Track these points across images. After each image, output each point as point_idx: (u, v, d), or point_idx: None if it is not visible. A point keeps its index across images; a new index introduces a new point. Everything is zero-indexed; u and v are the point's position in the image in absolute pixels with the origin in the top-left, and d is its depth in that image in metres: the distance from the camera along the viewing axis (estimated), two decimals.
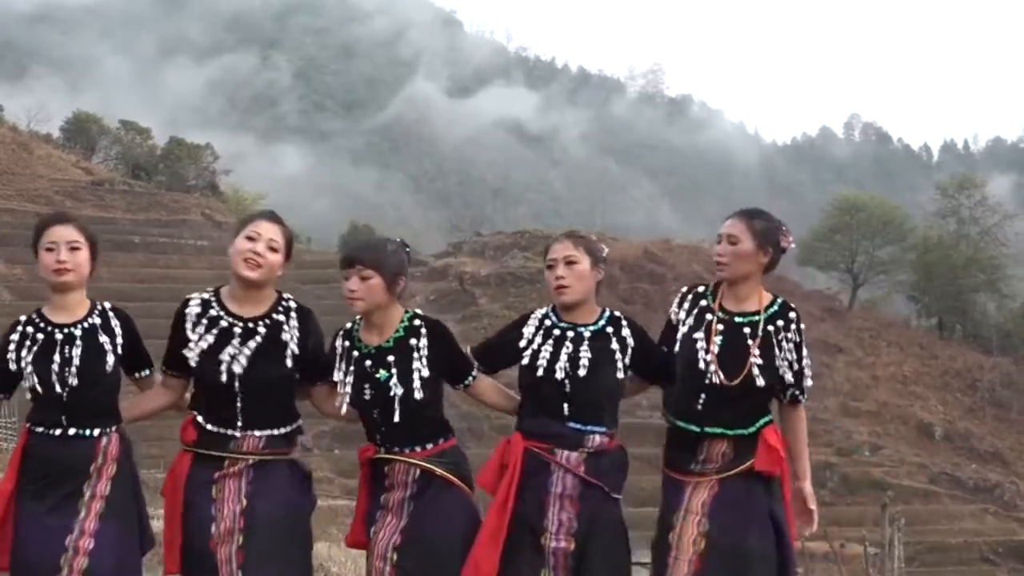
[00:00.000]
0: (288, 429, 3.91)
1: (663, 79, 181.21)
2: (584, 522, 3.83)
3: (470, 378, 3.97)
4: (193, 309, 3.90)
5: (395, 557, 3.76)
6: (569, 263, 3.94)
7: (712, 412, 3.90)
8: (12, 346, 3.86)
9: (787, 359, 3.96)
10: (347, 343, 3.93)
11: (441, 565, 3.76)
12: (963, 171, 77.63)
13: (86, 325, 3.89)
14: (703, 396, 3.91)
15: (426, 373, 3.83)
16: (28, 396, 3.86)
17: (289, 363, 3.86)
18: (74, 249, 3.86)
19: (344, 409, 3.89)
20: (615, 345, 3.95)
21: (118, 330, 3.93)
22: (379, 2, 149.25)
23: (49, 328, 3.87)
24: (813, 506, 4.05)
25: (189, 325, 3.87)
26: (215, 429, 3.83)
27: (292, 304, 3.95)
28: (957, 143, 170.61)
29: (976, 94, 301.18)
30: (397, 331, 3.88)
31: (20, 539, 3.75)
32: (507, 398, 4.09)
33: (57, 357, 3.81)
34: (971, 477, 36.49)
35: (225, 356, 3.82)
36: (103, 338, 3.88)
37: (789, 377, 3.98)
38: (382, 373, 3.83)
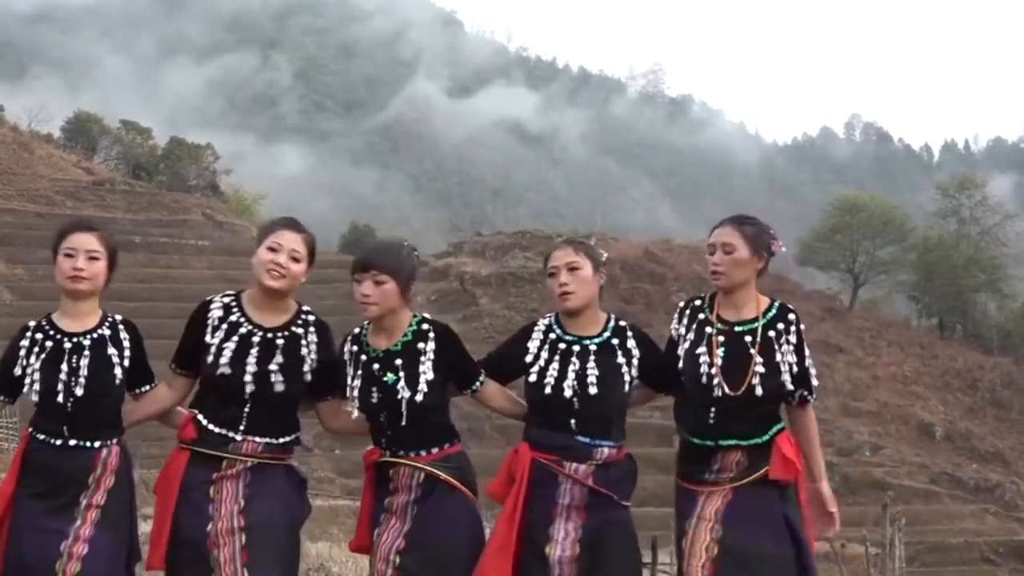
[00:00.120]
0: (288, 439, 3.92)
1: (663, 79, 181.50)
2: (591, 530, 3.81)
3: (478, 383, 3.96)
4: (215, 312, 3.89)
5: (397, 560, 3.75)
6: (572, 269, 3.92)
7: (724, 424, 3.88)
8: (23, 352, 3.84)
9: (790, 361, 3.94)
10: (355, 347, 3.92)
11: (444, 569, 3.75)
12: (964, 171, 77.58)
13: (95, 336, 3.87)
14: (713, 410, 3.88)
15: (433, 377, 3.82)
16: (34, 399, 3.85)
17: (307, 378, 3.88)
18: (93, 259, 3.85)
19: (355, 413, 3.88)
20: (621, 359, 3.92)
21: (126, 343, 3.92)
22: (379, 2, 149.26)
23: (58, 336, 3.85)
24: (833, 508, 4.03)
25: (209, 327, 3.87)
26: (217, 430, 3.82)
27: (311, 317, 3.95)
28: (958, 143, 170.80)
29: (977, 94, 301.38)
30: (405, 335, 3.87)
31: (17, 543, 3.74)
32: (515, 404, 4.07)
33: (64, 367, 3.80)
34: (972, 477, 36.48)
35: (242, 362, 3.81)
36: (111, 350, 3.87)
37: (794, 379, 3.95)
38: (389, 376, 3.82)
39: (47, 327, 3.88)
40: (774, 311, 4.00)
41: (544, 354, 3.93)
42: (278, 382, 3.82)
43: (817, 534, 4.05)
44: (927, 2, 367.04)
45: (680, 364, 3.97)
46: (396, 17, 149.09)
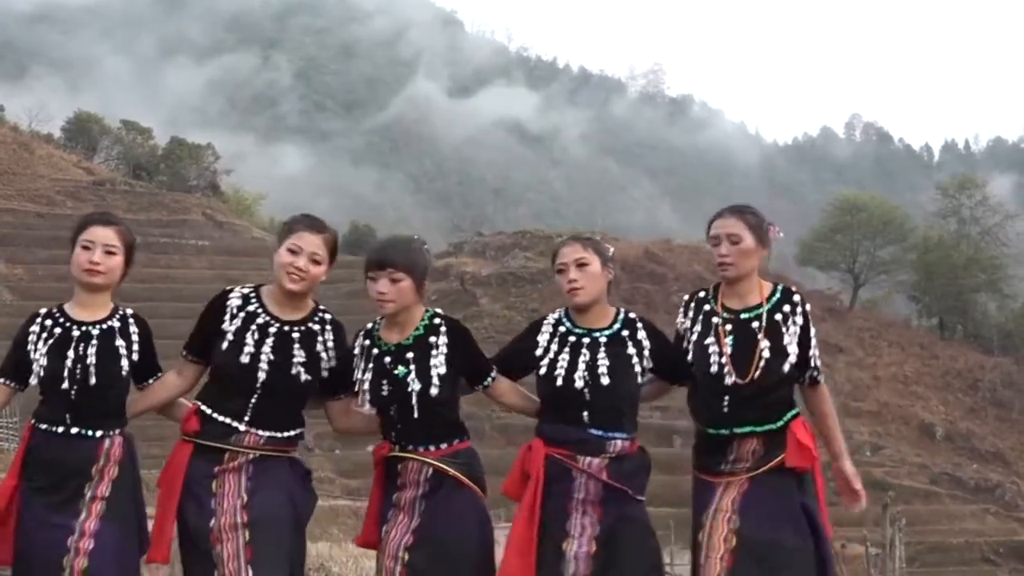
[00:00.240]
0: (291, 433, 3.91)
1: (664, 79, 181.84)
2: (607, 526, 3.82)
3: (489, 379, 3.96)
4: (234, 301, 3.90)
5: (406, 557, 3.75)
6: (580, 265, 3.92)
7: (738, 412, 3.88)
8: (31, 337, 3.85)
9: (798, 342, 3.94)
10: (367, 342, 3.93)
11: (452, 565, 3.75)
12: (964, 171, 77.65)
13: (104, 327, 3.88)
14: (726, 398, 3.88)
15: (444, 370, 3.82)
16: (34, 383, 3.85)
17: (320, 375, 3.89)
18: (110, 253, 3.85)
19: (366, 407, 3.89)
20: (632, 350, 3.93)
21: (135, 336, 3.92)
22: (379, 2, 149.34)
23: (67, 324, 3.86)
24: (858, 485, 4.03)
25: (228, 315, 3.87)
26: (221, 419, 3.82)
27: (327, 316, 3.97)
28: (958, 143, 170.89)
29: (977, 94, 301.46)
30: (417, 329, 3.88)
31: (23, 538, 3.74)
32: (527, 400, 4.07)
33: (71, 353, 3.80)
34: (972, 477, 36.50)
35: (257, 352, 3.82)
36: (119, 341, 3.87)
37: (803, 359, 3.95)
38: (400, 369, 3.83)
39: (58, 314, 3.89)
40: (778, 294, 4.01)
41: (554, 347, 3.94)
42: (291, 375, 3.83)
43: (851, 507, 4.08)
44: (927, 2, 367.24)
45: (690, 356, 3.97)
46: (396, 17, 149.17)
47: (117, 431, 3.86)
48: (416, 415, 3.80)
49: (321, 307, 3.98)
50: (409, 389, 3.80)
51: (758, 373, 3.85)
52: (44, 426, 3.80)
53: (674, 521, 13.50)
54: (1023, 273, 55.21)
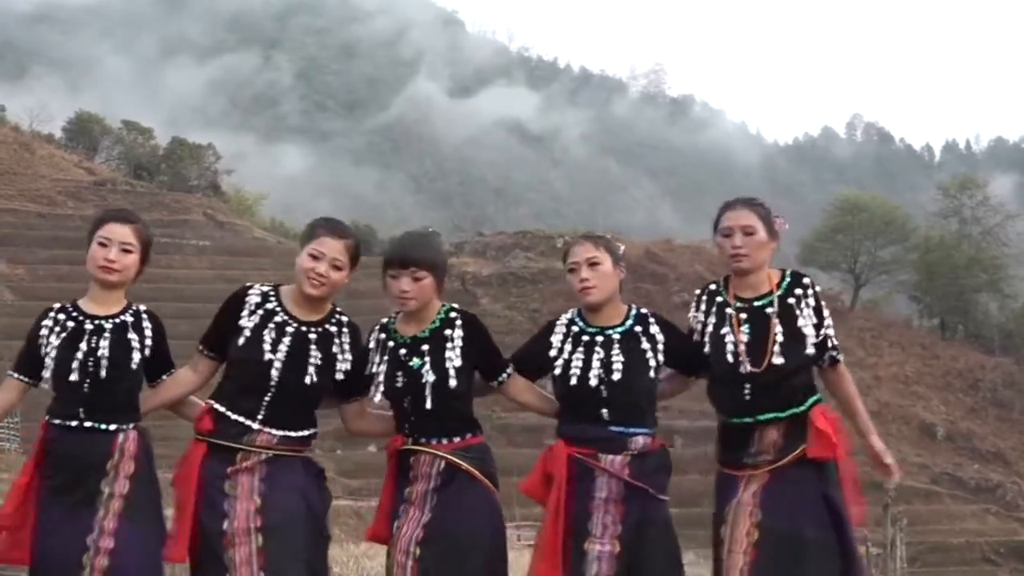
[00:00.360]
0: (305, 433, 3.91)
1: (665, 79, 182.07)
2: (630, 525, 3.81)
3: (504, 375, 3.97)
4: (253, 298, 3.91)
5: (417, 551, 3.75)
6: (592, 264, 3.93)
7: (760, 399, 3.87)
8: (44, 331, 3.87)
9: (812, 323, 3.95)
10: (383, 335, 3.95)
11: (464, 559, 3.74)
12: (965, 171, 77.57)
13: (117, 320, 3.91)
14: (748, 386, 3.88)
15: (459, 363, 3.84)
16: (46, 376, 3.86)
17: (337, 376, 3.89)
18: (126, 251, 3.89)
19: (378, 397, 3.91)
20: (646, 345, 3.94)
21: (148, 332, 3.94)
22: (380, 2, 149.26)
23: (81, 318, 3.89)
24: (889, 459, 4.05)
25: (246, 311, 3.88)
26: (234, 417, 3.81)
27: (344, 318, 3.98)
28: (959, 143, 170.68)
29: (978, 94, 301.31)
30: (433, 322, 3.90)
31: (42, 538, 3.74)
32: (545, 400, 4.07)
33: (83, 346, 3.82)
34: (973, 477, 36.48)
35: (274, 350, 3.82)
36: (132, 335, 3.89)
37: (819, 340, 3.96)
38: (415, 361, 3.85)
39: (71, 309, 3.92)
40: (788, 279, 4.02)
41: (568, 347, 3.95)
42: (306, 375, 3.83)
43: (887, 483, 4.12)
44: (928, 2, 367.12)
45: (706, 348, 3.97)
46: (397, 17, 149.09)
47: (131, 425, 3.87)
48: (429, 407, 3.80)
49: (338, 309, 3.98)
50: (423, 380, 3.81)
51: (775, 359, 3.84)
52: (58, 421, 3.81)
53: (676, 520, 13.50)
54: None
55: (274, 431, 3.82)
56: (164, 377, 4.00)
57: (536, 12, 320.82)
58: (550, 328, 4.04)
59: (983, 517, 33.45)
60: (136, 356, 3.87)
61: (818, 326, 3.96)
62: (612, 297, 3.99)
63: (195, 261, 41.90)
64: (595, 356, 3.90)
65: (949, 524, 32.11)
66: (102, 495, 3.76)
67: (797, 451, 3.84)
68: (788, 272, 4.06)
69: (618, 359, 3.88)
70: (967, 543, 30.57)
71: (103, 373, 3.80)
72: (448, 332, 3.88)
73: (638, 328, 3.98)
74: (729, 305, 3.97)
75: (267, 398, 3.81)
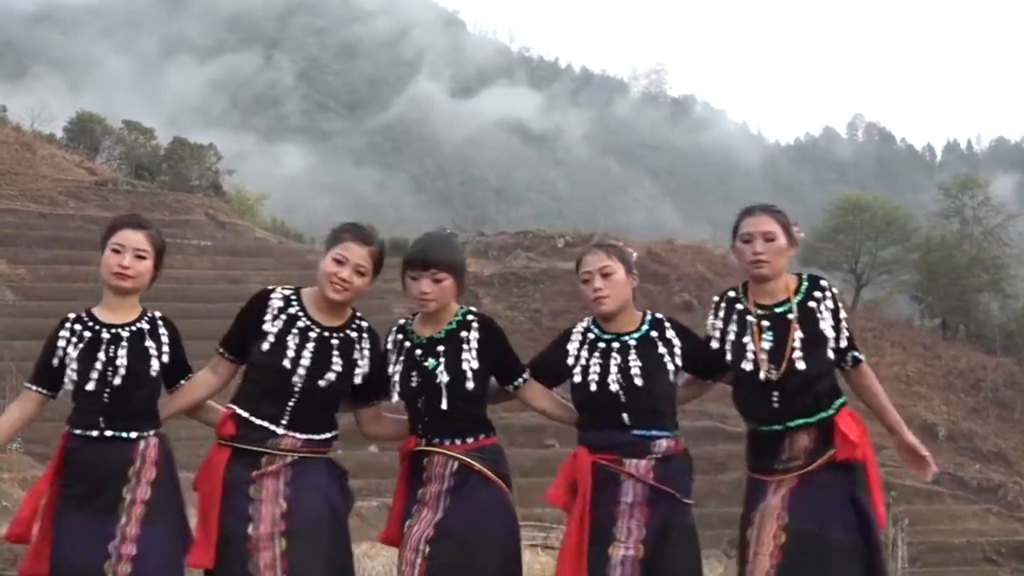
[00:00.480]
0: (327, 435, 3.95)
1: (666, 79, 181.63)
2: (655, 529, 3.81)
3: (520, 379, 3.99)
4: (276, 302, 3.92)
5: (427, 549, 3.75)
6: (605, 274, 3.94)
7: (789, 406, 3.87)
8: (61, 343, 3.86)
9: (831, 326, 3.96)
10: (400, 336, 3.97)
11: (474, 559, 3.74)
12: (966, 171, 77.52)
13: (134, 328, 3.90)
14: (775, 393, 3.87)
15: (475, 365, 3.85)
16: (68, 388, 3.86)
17: (357, 380, 3.91)
18: (139, 257, 3.88)
19: (395, 397, 3.92)
20: (662, 349, 3.95)
21: (165, 338, 3.94)
22: (381, 2, 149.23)
23: (97, 327, 3.88)
24: (924, 452, 4.10)
25: (269, 315, 3.88)
26: (258, 422, 3.81)
27: (364, 324, 3.99)
28: (960, 143, 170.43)
29: (979, 94, 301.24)
30: (450, 324, 3.92)
31: (61, 547, 3.72)
32: (562, 407, 4.07)
33: (101, 355, 3.82)
34: (974, 477, 36.44)
35: (298, 356, 3.83)
36: (149, 342, 3.89)
37: (841, 342, 3.97)
38: (431, 361, 3.87)
39: (86, 319, 3.91)
40: (807, 282, 4.04)
41: (584, 354, 3.96)
42: (329, 380, 3.84)
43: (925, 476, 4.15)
44: (929, 2, 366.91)
45: (729, 357, 3.96)
46: (398, 17, 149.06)
47: (152, 432, 3.86)
48: (443, 407, 3.82)
49: (358, 314, 4.00)
50: (437, 381, 3.82)
51: (798, 365, 3.83)
52: (79, 431, 3.80)
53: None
54: None
55: (298, 435, 3.84)
56: (183, 382, 4.00)
57: (537, 12, 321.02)
58: (566, 336, 4.05)
59: (984, 517, 33.41)
60: (155, 364, 3.87)
61: (837, 328, 3.96)
62: (626, 305, 4.00)
63: (197, 261, 41.87)
64: (612, 362, 3.90)
65: (950, 524, 32.07)
66: (124, 502, 3.76)
67: (827, 455, 3.84)
68: (806, 276, 4.08)
69: (635, 364, 3.89)
70: (968, 543, 30.53)
71: (122, 382, 3.79)
72: (464, 334, 3.90)
73: (654, 333, 3.99)
74: (750, 313, 3.97)
75: (291, 403, 3.83)
